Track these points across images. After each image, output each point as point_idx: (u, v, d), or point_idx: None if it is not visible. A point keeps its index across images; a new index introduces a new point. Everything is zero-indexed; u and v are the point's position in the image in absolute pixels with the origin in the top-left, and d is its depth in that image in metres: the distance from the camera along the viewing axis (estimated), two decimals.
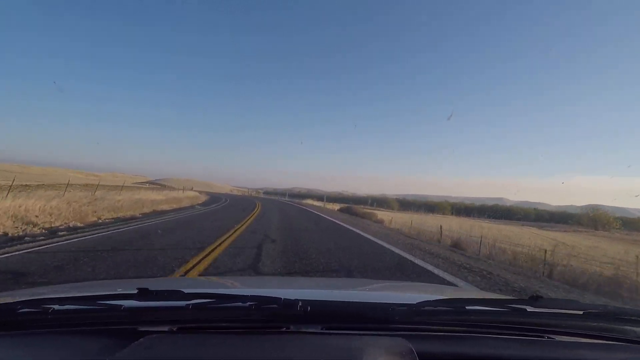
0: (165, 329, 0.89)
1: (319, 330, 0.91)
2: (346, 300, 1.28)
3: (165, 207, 16.31)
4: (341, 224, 13.89)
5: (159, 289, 0.92)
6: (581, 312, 1.00)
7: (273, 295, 0.91)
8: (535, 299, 1.03)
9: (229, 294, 0.99)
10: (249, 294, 0.92)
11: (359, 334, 0.90)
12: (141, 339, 0.77)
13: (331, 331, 0.91)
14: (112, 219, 10.42)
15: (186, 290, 0.92)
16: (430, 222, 18.60)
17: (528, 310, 0.99)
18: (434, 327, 0.97)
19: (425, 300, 1.01)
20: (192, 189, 42.98)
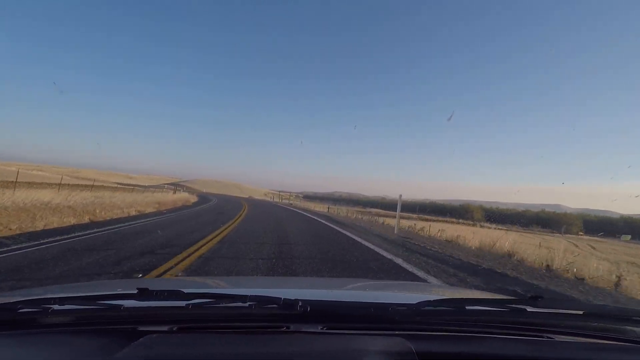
0: (165, 328, 0.89)
1: (319, 330, 0.90)
2: (346, 300, 1.29)
3: None
4: None
5: (159, 289, 0.91)
6: (581, 312, 1.00)
7: (273, 295, 0.91)
8: (535, 299, 1.01)
9: (228, 294, 0.98)
10: (249, 294, 0.91)
11: (359, 334, 0.90)
12: (141, 339, 0.78)
13: (331, 331, 0.91)
14: None
15: (186, 290, 0.92)
16: None
17: (528, 310, 0.98)
18: (434, 327, 0.97)
19: (425, 300, 0.99)
20: (175, 190, 37.26)
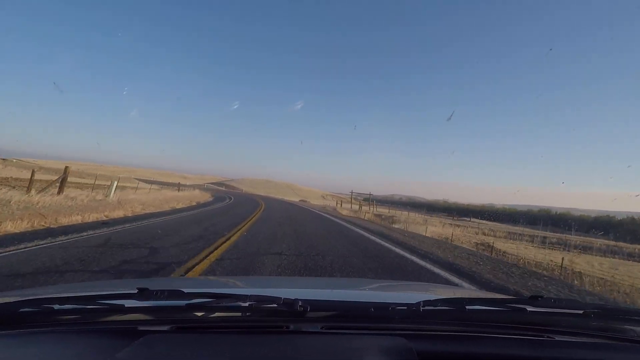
0: (166, 328, 0.89)
1: (319, 330, 0.90)
2: (346, 300, 1.28)
3: None
4: None
5: (159, 289, 0.92)
6: (581, 312, 1.00)
7: (273, 295, 0.92)
8: (535, 299, 1.02)
9: (228, 294, 0.97)
10: (249, 294, 0.92)
11: (359, 334, 0.91)
12: (141, 339, 0.78)
13: (331, 331, 0.91)
14: None
15: (186, 290, 0.93)
16: None
17: (528, 309, 0.99)
18: (434, 326, 0.97)
19: (426, 299, 0.99)
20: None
